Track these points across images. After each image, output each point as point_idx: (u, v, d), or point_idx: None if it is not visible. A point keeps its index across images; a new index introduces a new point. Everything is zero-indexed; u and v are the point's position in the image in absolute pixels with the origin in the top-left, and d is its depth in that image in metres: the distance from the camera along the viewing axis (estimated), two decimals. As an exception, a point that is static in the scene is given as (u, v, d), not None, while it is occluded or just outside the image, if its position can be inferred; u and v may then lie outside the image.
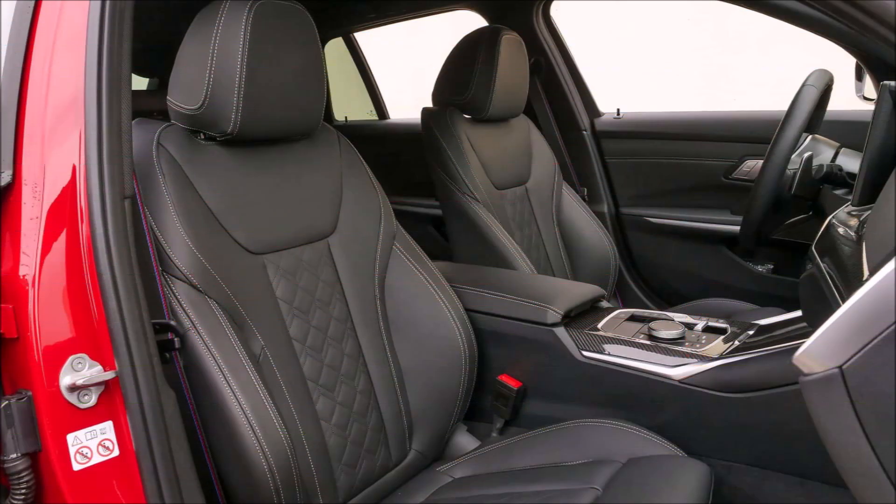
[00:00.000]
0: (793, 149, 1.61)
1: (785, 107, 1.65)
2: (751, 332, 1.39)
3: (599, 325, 1.48)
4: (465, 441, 1.51)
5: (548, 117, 2.50)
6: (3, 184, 0.86)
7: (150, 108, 2.22)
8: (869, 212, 0.97)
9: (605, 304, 1.65)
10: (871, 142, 1.10)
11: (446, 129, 1.99)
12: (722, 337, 1.39)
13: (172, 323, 1.02)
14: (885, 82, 1.15)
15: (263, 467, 1.02)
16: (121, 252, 0.85)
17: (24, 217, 0.86)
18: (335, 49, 3.15)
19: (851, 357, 0.66)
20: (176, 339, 1.01)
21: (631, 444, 1.27)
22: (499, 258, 1.90)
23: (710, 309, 1.97)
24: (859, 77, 1.83)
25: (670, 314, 1.54)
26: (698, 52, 5.38)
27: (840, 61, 1.84)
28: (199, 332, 1.04)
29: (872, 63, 1.75)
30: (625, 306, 1.90)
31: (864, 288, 0.66)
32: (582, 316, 1.54)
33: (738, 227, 1.82)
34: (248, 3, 1.13)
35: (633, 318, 1.52)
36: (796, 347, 0.70)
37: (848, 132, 1.78)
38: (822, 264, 1.00)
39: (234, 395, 1.03)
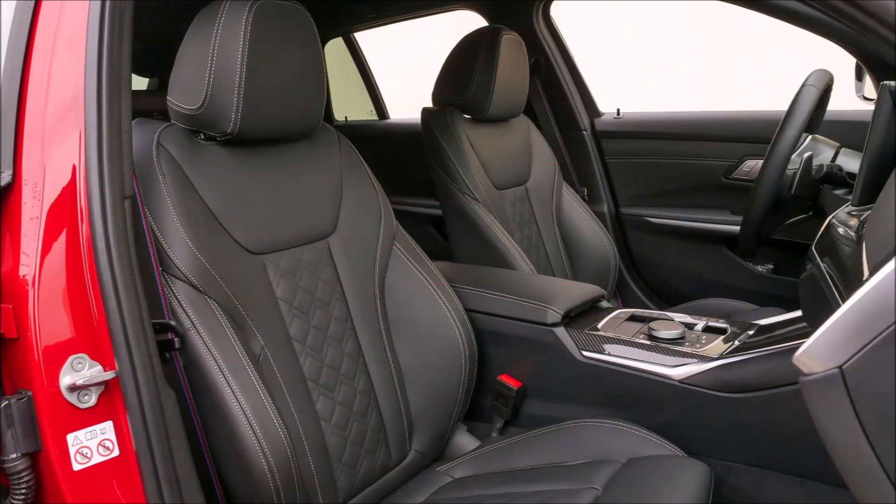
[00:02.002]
0: (793, 149, 1.61)
1: (785, 107, 1.65)
2: (751, 332, 1.39)
3: (599, 325, 1.48)
4: (465, 441, 1.51)
5: (548, 117, 2.50)
6: (3, 184, 0.86)
7: (150, 108, 2.22)
8: (869, 212, 0.97)
9: (605, 304, 1.65)
10: (871, 142, 1.10)
11: (446, 129, 1.99)
12: (722, 337, 1.39)
13: (172, 323, 1.02)
14: (885, 82, 1.15)
15: (263, 467, 1.02)
16: (121, 252, 0.85)
17: (24, 217, 0.86)
18: (335, 49, 3.15)
19: (851, 357, 0.66)
20: (176, 339, 1.01)
21: (631, 444, 1.27)
22: (499, 258, 1.90)
23: (710, 309, 1.97)
24: (859, 77, 1.83)
25: (670, 314, 1.54)
26: (698, 52, 5.38)
27: (840, 61, 1.84)
28: (199, 332, 1.04)
29: (872, 63, 1.75)
30: (625, 306, 1.90)
31: (864, 288, 0.66)
32: (582, 316, 1.54)
33: (738, 227, 1.82)
34: (248, 3, 1.12)
35: (633, 318, 1.52)
36: (796, 347, 0.70)
37: (848, 132, 1.78)
38: (822, 264, 1.00)
39: (234, 395, 1.03)
